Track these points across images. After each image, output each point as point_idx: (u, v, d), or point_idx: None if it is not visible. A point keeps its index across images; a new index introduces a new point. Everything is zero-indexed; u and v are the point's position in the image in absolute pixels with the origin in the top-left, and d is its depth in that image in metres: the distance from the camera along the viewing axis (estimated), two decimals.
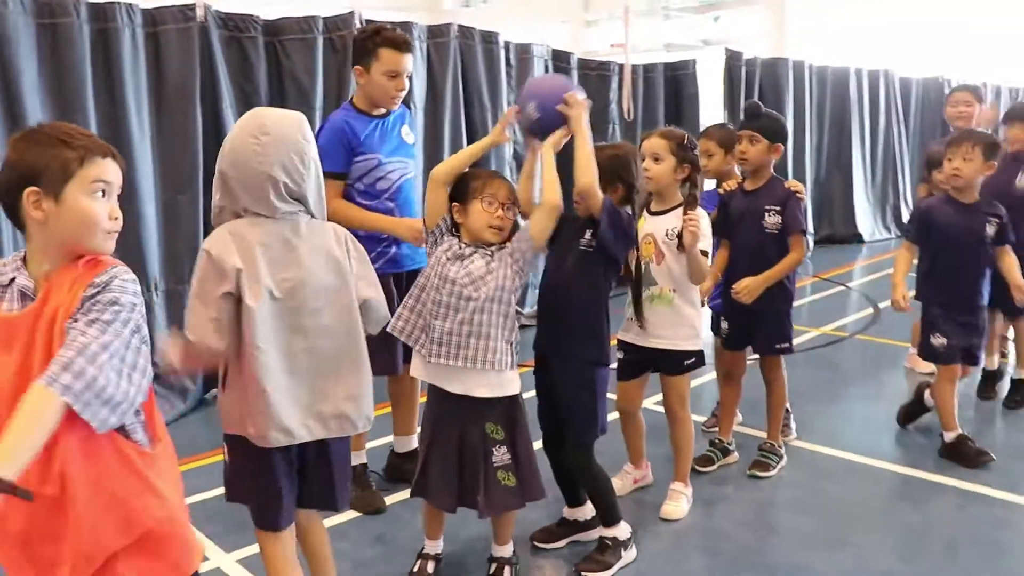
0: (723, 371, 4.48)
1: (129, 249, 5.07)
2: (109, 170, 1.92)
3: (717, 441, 4.43)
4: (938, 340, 4.34)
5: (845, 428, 4.90)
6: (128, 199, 5.07)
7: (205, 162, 5.40)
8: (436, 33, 6.51)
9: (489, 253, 3.07)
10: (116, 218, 1.94)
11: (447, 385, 3.07)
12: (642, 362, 3.83)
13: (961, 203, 4.32)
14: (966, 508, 3.90)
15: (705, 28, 23.15)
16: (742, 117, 4.38)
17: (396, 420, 4.21)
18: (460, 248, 3.07)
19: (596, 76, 8.17)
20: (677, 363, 3.77)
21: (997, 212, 4.30)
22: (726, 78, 9.32)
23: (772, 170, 4.25)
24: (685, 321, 3.72)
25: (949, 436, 4.39)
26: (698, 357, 3.80)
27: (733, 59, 9.37)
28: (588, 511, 3.61)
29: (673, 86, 8.97)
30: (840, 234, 11.27)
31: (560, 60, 7.77)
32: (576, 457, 3.41)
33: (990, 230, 4.28)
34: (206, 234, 5.36)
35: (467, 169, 3.20)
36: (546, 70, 7.56)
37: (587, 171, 3.10)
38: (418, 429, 3.71)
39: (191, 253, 5.25)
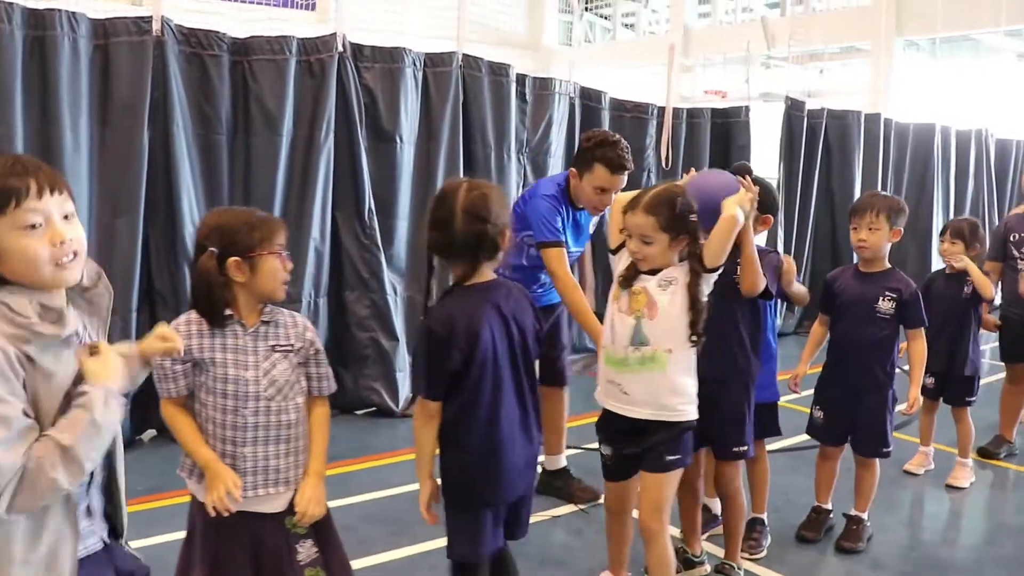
0: None
1: None
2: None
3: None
4: (817, 413, 4.00)
5: (825, 556, 3.89)
6: None
7: (150, 185, 4.84)
8: (437, 62, 5.81)
9: (289, 347, 2.40)
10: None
11: (256, 507, 2.38)
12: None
13: (862, 272, 3.92)
14: None
15: (808, 80, 21.98)
16: None
17: (546, 440, 4.18)
18: (234, 333, 2.35)
19: (632, 119, 7.31)
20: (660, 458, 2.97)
21: (897, 287, 3.82)
22: (784, 129, 8.32)
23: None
24: (680, 389, 2.94)
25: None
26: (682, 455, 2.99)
27: (793, 108, 8.37)
28: None
29: (723, 134, 8.02)
30: None
31: (589, 99, 6.98)
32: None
33: (884, 305, 3.80)
34: (144, 261, 4.82)
35: (234, 211, 2.50)
36: (571, 109, 6.78)
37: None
38: (564, 451, 4.33)
39: (125, 281, 4.69)
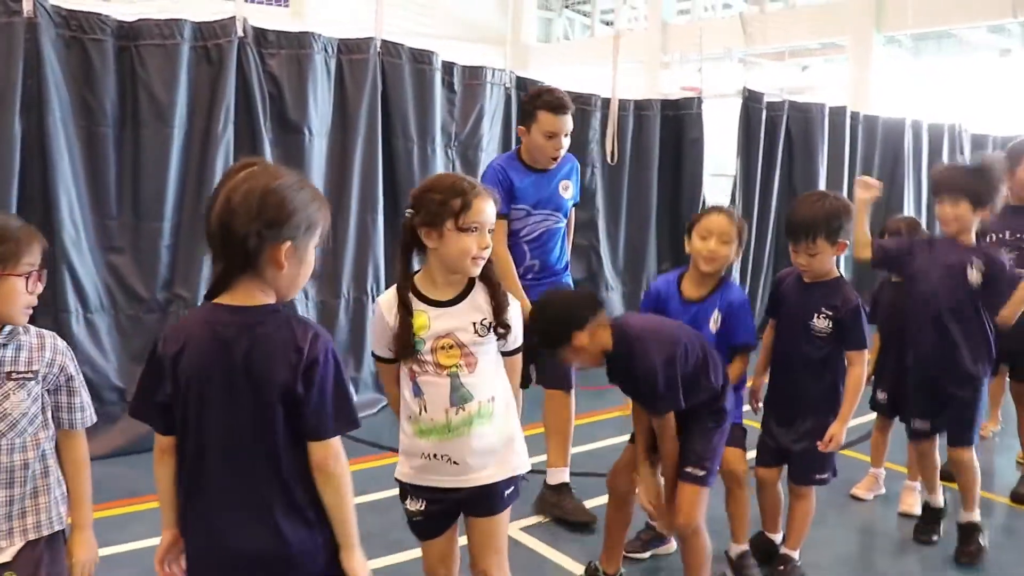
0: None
1: None
2: None
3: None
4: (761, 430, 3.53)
5: None
6: None
7: (24, 181, 4.40)
8: (352, 48, 5.37)
9: (29, 374, 2.02)
10: None
11: None
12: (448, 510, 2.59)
13: (804, 282, 3.42)
14: None
15: (790, 77, 21.62)
16: None
17: (549, 449, 4.11)
18: None
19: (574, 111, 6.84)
20: (499, 496, 2.54)
21: (834, 303, 3.31)
22: (742, 121, 7.88)
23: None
24: (517, 437, 2.57)
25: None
26: (516, 485, 2.57)
27: (751, 100, 7.93)
28: None
29: (674, 127, 7.59)
30: None
31: (525, 90, 6.47)
32: None
33: (819, 323, 3.31)
34: None
35: None
36: (508, 99, 6.32)
37: None
38: (568, 464, 4.07)
39: None
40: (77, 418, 2.12)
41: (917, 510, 4.16)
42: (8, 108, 4.31)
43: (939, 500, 3.97)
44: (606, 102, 6.98)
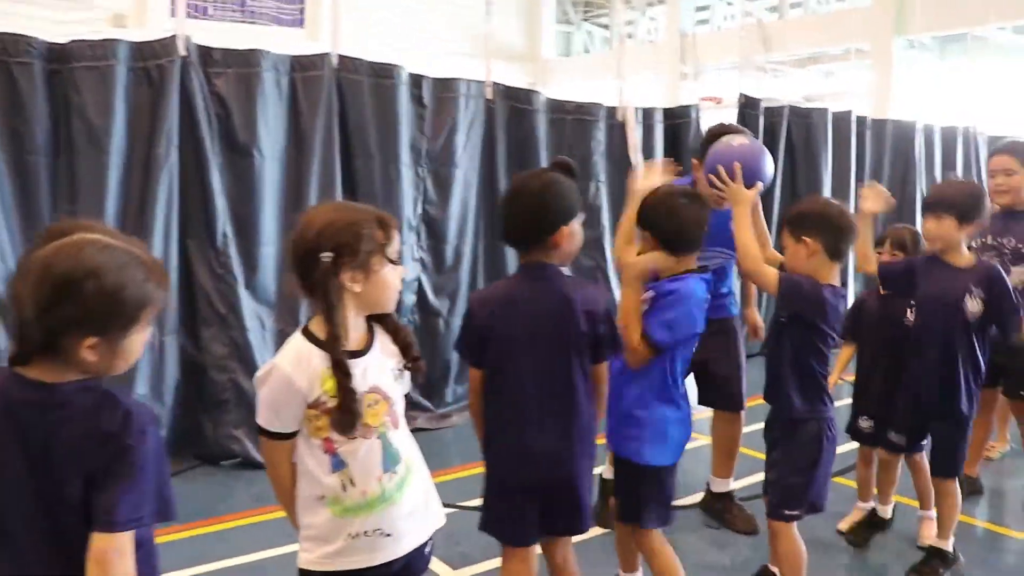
0: None
1: None
2: None
3: None
4: None
5: None
6: None
7: None
8: (306, 65, 4.99)
9: None
10: None
11: None
12: None
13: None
14: None
15: (815, 84, 20.97)
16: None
17: (717, 463, 4.11)
18: None
19: (573, 122, 6.28)
20: (422, 556, 2.19)
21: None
22: None
23: None
24: (431, 487, 2.22)
25: None
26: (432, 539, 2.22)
27: (748, 107, 7.43)
28: None
29: (674, 137, 7.08)
30: None
31: (516, 100, 5.98)
32: None
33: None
34: None
35: None
36: (489, 112, 5.86)
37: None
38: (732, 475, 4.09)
39: None
40: None
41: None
42: None
43: (888, 512, 3.84)
44: (611, 111, 6.49)
